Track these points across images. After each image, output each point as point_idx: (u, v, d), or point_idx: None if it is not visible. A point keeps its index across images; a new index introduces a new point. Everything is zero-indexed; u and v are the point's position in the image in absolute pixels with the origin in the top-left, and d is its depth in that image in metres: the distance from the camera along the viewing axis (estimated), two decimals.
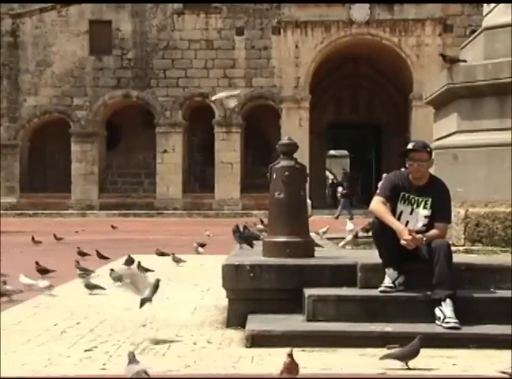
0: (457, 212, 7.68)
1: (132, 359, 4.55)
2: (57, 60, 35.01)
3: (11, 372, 4.98)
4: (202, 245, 14.70)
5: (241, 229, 8.58)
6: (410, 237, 5.99)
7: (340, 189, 33.09)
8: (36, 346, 5.87)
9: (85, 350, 5.64)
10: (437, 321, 5.83)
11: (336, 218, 30.42)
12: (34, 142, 35.81)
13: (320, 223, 17.52)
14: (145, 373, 4.47)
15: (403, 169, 6.47)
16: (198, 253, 13.74)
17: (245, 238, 8.31)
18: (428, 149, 6.34)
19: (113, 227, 22.64)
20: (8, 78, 35.11)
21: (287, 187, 6.86)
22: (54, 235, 17.34)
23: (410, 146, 6.40)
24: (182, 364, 5.18)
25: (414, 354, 5.02)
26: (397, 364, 5.09)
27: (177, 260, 11.88)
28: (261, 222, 11.48)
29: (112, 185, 36.75)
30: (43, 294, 8.46)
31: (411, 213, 6.33)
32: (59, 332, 6.40)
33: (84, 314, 7.22)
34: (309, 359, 5.30)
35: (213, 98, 9.01)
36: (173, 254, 12.12)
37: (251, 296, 6.45)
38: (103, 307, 7.72)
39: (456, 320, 5.72)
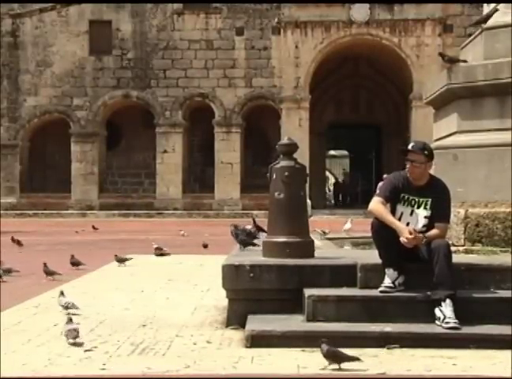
0: (457, 212, 7.68)
1: (68, 321, 5.93)
2: (57, 60, 35.02)
3: (11, 372, 4.98)
4: (205, 246, 14.66)
5: (241, 230, 8.55)
6: (411, 236, 5.99)
7: None
8: (36, 346, 5.87)
9: (85, 350, 5.64)
10: (437, 321, 5.83)
11: None
12: (34, 142, 35.82)
13: (320, 223, 17.53)
14: (76, 331, 5.85)
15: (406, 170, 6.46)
16: (162, 253, 13.26)
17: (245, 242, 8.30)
18: (426, 152, 6.33)
19: (94, 227, 21.92)
20: (8, 78, 35.13)
21: (287, 187, 6.86)
22: (12, 238, 15.92)
23: (409, 146, 6.43)
24: (182, 364, 5.19)
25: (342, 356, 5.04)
26: (398, 364, 5.09)
27: (121, 260, 11.68)
28: (254, 221, 11.31)
29: (112, 186, 36.76)
30: None
31: (411, 214, 6.33)
32: (59, 332, 6.39)
33: (84, 314, 7.21)
34: (309, 359, 5.30)
35: None
36: (116, 255, 11.89)
37: (251, 296, 6.44)
38: (103, 307, 7.72)
39: (456, 321, 5.72)
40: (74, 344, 5.78)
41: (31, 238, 18.95)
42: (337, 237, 9.90)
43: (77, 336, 5.85)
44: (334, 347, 5.05)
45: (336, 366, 5.01)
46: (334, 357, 5.02)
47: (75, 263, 11.18)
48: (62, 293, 7.22)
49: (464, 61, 8.46)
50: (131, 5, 34.93)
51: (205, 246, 14.73)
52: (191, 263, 12.17)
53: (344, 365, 5.01)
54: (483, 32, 8.49)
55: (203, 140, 36.23)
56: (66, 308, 7.00)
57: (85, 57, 35.10)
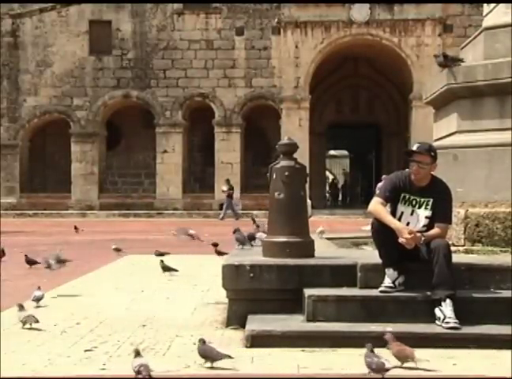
0: (457, 212, 7.68)
1: (20, 308, 6.58)
2: (57, 60, 35.02)
3: (11, 372, 4.98)
4: (216, 245, 14.20)
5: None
6: (410, 235, 5.99)
7: (224, 188, 32.48)
8: (36, 346, 5.87)
9: (85, 350, 5.64)
10: (437, 321, 5.83)
11: (222, 219, 30.34)
12: (34, 142, 35.83)
13: (320, 223, 17.51)
14: (33, 317, 6.42)
15: (407, 170, 6.45)
16: (162, 253, 12.61)
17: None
18: (432, 153, 6.33)
19: (76, 228, 21.15)
20: (8, 78, 35.12)
21: (287, 187, 6.86)
22: None
23: (414, 147, 6.38)
24: (182, 364, 5.19)
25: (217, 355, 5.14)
26: (397, 364, 5.08)
27: (60, 261, 11.56)
28: (253, 221, 11.28)
29: (112, 186, 36.76)
30: None
31: (411, 214, 6.33)
32: (59, 332, 6.40)
33: (84, 314, 7.22)
34: (309, 359, 5.30)
35: None
36: (45, 257, 11.79)
37: (251, 296, 6.44)
38: (103, 307, 7.73)
39: (456, 321, 5.72)
40: (33, 329, 6.36)
41: (31, 237, 18.97)
42: (337, 237, 9.88)
43: (36, 321, 6.39)
44: (209, 346, 5.15)
45: (209, 364, 5.10)
46: (205, 355, 5.12)
47: (30, 261, 11.27)
48: (21, 306, 6.68)
49: (463, 61, 8.45)
50: (131, 5, 34.92)
51: (215, 245, 14.19)
52: (191, 263, 12.16)
53: (218, 363, 5.10)
54: (483, 32, 8.49)
55: (203, 140, 36.23)
56: (25, 323, 6.53)
57: (85, 57, 35.09)
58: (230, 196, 31.76)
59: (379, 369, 4.76)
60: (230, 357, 5.10)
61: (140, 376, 4.60)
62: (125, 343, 5.91)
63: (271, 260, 6.68)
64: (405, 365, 5.02)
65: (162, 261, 10.55)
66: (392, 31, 33.14)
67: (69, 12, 35.17)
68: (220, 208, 31.95)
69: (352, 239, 9.46)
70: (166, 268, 10.46)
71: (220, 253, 12.57)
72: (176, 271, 10.43)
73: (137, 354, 4.79)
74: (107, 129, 36.06)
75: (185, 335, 6.22)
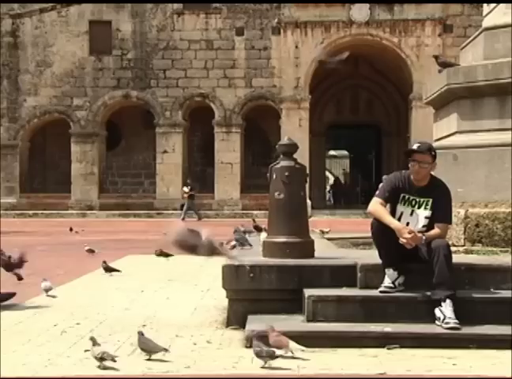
0: (457, 212, 7.67)
1: None
2: (57, 60, 35.01)
3: (11, 372, 4.98)
4: (221, 244, 14.08)
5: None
6: (410, 235, 5.99)
7: (185, 189, 32.36)
8: (36, 346, 5.87)
9: (85, 350, 5.64)
10: (437, 322, 5.83)
11: (183, 220, 30.39)
12: (34, 142, 35.82)
13: (320, 223, 17.52)
14: None
15: (406, 170, 6.44)
16: (162, 253, 12.54)
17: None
18: (433, 152, 6.32)
19: (71, 230, 20.90)
20: (8, 78, 35.12)
21: (287, 187, 6.86)
22: None
23: (414, 147, 6.37)
24: (182, 364, 5.19)
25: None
26: (398, 364, 5.09)
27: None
28: (253, 221, 11.24)
29: (112, 186, 36.76)
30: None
31: (411, 214, 6.32)
32: (59, 332, 6.40)
33: (84, 314, 7.22)
34: (309, 359, 5.29)
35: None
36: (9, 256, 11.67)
37: (251, 296, 6.45)
38: (103, 307, 7.73)
39: (456, 321, 5.72)
40: None
41: (31, 238, 18.97)
42: (337, 237, 9.88)
43: None
44: (146, 338, 5.36)
45: (147, 357, 5.31)
46: (143, 348, 5.33)
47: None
48: None
49: (457, 65, 8.46)
50: (131, 5, 34.92)
51: (221, 245, 14.20)
52: (191, 263, 12.15)
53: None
54: (483, 32, 8.50)
55: (203, 140, 36.23)
56: None
57: (85, 57, 35.09)
58: (191, 197, 31.87)
59: (269, 356, 5.05)
60: (166, 350, 5.28)
61: (104, 361, 4.99)
62: (125, 344, 5.90)
63: (271, 261, 6.68)
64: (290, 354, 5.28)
65: (104, 262, 10.55)
66: (392, 31, 33.15)
67: (69, 12, 35.17)
68: (181, 209, 32.08)
69: (352, 239, 9.46)
70: (108, 269, 10.45)
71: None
72: (119, 271, 10.40)
73: (94, 342, 5.15)
74: (107, 129, 36.06)
75: (185, 336, 6.22)
